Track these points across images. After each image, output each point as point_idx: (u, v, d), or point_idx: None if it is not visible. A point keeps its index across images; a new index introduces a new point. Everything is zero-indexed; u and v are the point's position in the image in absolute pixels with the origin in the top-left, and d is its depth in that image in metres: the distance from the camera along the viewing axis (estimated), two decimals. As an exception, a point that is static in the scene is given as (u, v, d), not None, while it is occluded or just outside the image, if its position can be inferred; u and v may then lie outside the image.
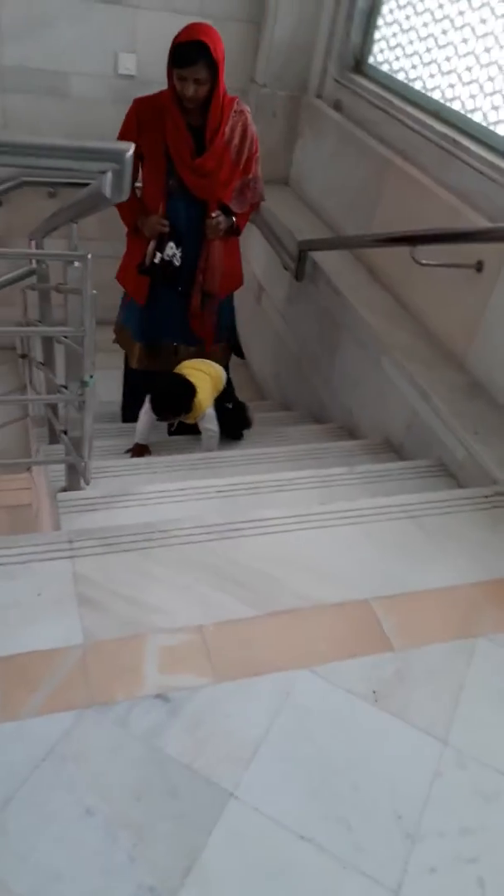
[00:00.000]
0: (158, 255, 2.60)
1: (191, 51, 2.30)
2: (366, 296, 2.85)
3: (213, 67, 2.35)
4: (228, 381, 2.83)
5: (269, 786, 1.24)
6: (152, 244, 2.62)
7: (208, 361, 2.75)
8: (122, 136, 2.59)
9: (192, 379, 2.57)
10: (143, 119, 2.51)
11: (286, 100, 3.60)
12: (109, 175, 1.06)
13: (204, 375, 2.65)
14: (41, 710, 1.29)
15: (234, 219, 2.68)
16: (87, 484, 1.79)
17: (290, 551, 1.71)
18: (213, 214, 2.60)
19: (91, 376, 1.54)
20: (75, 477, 2.01)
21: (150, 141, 2.50)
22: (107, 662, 1.39)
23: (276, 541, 1.74)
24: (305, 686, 1.41)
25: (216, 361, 2.83)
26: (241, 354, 3.17)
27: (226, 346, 3.06)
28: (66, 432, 1.97)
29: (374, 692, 1.42)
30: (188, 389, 2.54)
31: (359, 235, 2.93)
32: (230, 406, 2.78)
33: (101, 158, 1.06)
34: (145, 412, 2.60)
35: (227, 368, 2.90)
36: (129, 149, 1.07)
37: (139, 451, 2.66)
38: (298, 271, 3.17)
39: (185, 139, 2.49)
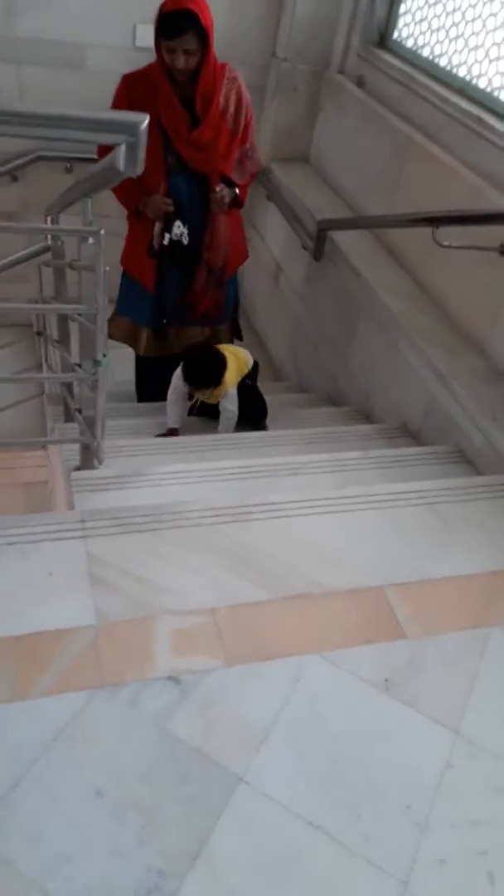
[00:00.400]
0: (167, 235, 2.54)
1: (179, 20, 2.22)
2: (385, 277, 2.80)
3: (203, 36, 2.27)
4: (255, 365, 2.82)
5: (278, 771, 1.23)
6: (158, 225, 2.56)
7: (232, 347, 2.77)
8: None
9: None
10: (133, 96, 2.43)
11: (308, 75, 3.52)
12: (123, 148, 1.03)
13: (230, 356, 2.65)
14: (52, 690, 1.29)
15: (236, 190, 2.63)
16: (101, 464, 1.78)
17: (303, 536, 1.70)
18: (218, 188, 2.55)
19: (104, 355, 1.52)
20: (89, 456, 2.00)
21: None
22: (118, 643, 1.38)
23: (289, 525, 1.72)
24: (317, 672, 1.40)
25: (224, 341, 2.82)
26: (239, 335, 3.13)
27: (230, 326, 3.03)
28: (80, 411, 1.96)
29: (385, 680, 1.40)
30: (221, 361, 2.56)
31: (380, 216, 2.87)
32: (250, 382, 2.76)
33: (115, 130, 1.03)
34: (174, 397, 2.61)
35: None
36: (144, 120, 1.04)
37: (173, 435, 2.66)
38: (317, 251, 3.12)
39: (179, 113, 2.41)
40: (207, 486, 2.00)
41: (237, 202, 2.68)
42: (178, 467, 2.05)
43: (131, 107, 2.37)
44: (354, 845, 1.16)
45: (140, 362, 3.09)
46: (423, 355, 2.44)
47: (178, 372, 2.59)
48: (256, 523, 1.70)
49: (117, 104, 2.46)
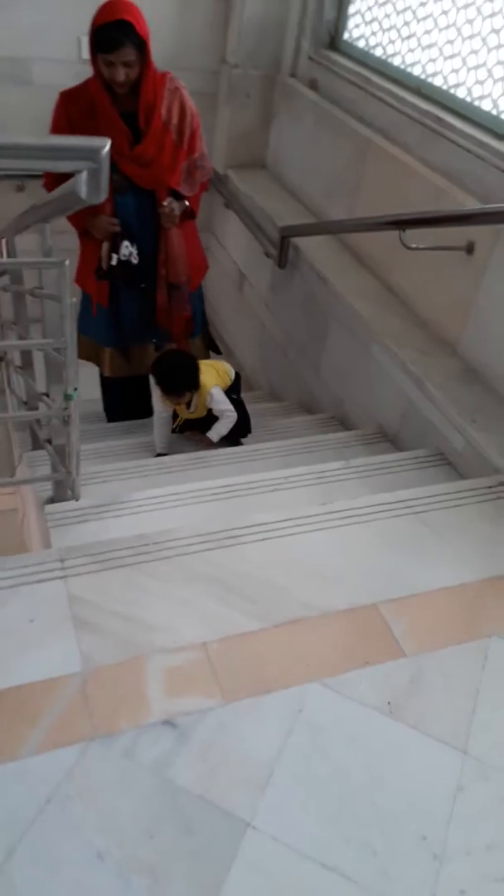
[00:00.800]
0: (115, 256, 2.49)
1: (114, 32, 2.13)
2: (353, 282, 2.77)
3: (141, 46, 2.19)
4: (237, 377, 2.76)
5: (286, 812, 1.18)
6: (106, 246, 2.49)
7: (210, 360, 2.72)
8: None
9: None
10: (73, 114, 2.34)
11: (260, 80, 3.48)
12: (85, 175, 0.97)
13: (208, 368, 2.58)
14: (42, 746, 1.22)
15: (186, 203, 2.54)
16: (77, 499, 1.71)
17: (292, 556, 1.65)
18: (165, 203, 2.46)
19: (75, 389, 1.45)
20: (62, 487, 1.93)
21: (85, 133, 2.29)
22: (108, 689, 1.31)
23: (276, 546, 1.67)
24: (317, 701, 1.35)
25: (199, 356, 2.74)
26: (216, 349, 3.09)
27: (203, 340, 2.95)
28: (50, 441, 1.88)
29: (388, 703, 1.36)
30: (192, 362, 2.47)
31: (345, 220, 2.84)
32: (235, 397, 2.68)
33: (75, 157, 0.97)
34: (157, 420, 2.54)
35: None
36: (105, 145, 0.98)
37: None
38: (281, 258, 3.08)
39: (120, 129, 2.33)
40: (189, 509, 1.94)
41: (189, 214, 2.60)
42: (157, 492, 1.99)
43: (71, 126, 2.33)
44: (373, 884, 1.11)
45: (106, 382, 3.01)
46: (397, 359, 2.41)
47: (156, 393, 2.50)
48: (243, 547, 1.65)
49: (56, 124, 2.37)
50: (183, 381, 2.45)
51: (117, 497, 1.97)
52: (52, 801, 1.15)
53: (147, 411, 2.78)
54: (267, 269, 3.40)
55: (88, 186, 0.98)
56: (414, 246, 2.28)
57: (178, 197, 2.50)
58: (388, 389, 2.52)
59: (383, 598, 1.56)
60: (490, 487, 1.91)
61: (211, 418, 2.60)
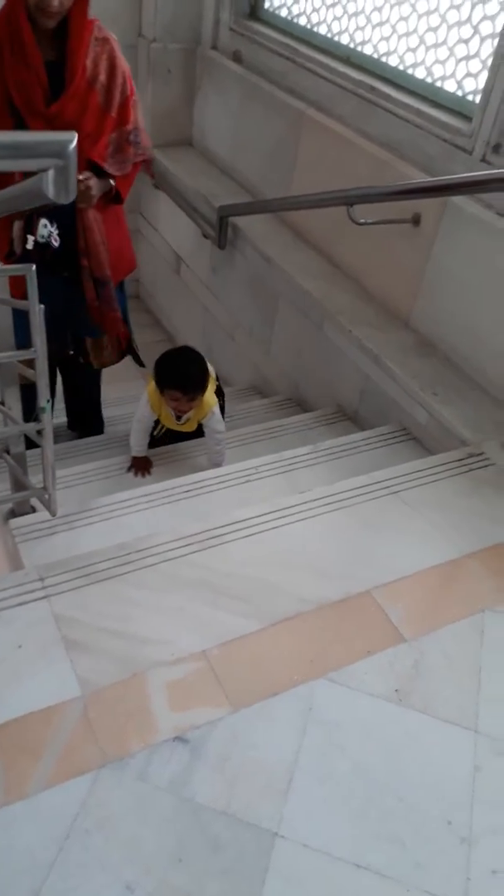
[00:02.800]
0: (30, 238, 2.05)
1: None
2: (297, 260, 2.73)
3: None
4: (217, 379, 2.42)
5: (312, 815, 1.16)
6: (17, 226, 2.06)
7: None
8: None
9: None
10: None
11: (180, 53, 3.36)
12: (52, 173, 0.88)
13: None
14: (51, 780, 1.16)
15: (112, 182, 2.10)
16: (54, 515, 1.62)
17: (278, 551, 1.62)
18: (81, 177, 1.98)
19: (48, 400, 1.37)
20: (24, 500, 1.83)
21: None
22: (112, 711, 1.26)
23: (261, 541, 1.64)
24: (326, 697, 1.33)
25: (104, 360, 2.47)
26: (139, 361, 2.60)
27: (120, 344, 2.48)
28: (8, 451, 1.78)
29: (396, 691, 1.36)
30: (202, 357, 2.17)
31: (290, 197, 2.76)
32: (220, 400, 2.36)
33: (39, 154, 0.88)
34: (139, 426, 2.20)
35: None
36: (72, 140, 0.89)
37: (141, 464, 2.24)
38: (221, 239, 3.00)
39: (39, 77, 1.87)
40: (163, 509, 1.88)
41: (115, 198, 2.16)
42: (126, 494, 1.92)
43: None
44: (407, 877, 1.11)
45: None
46: (351, 336, 2.39)
47: (145, 399, 2.18)
48: (227, 546, 1.61)
49: None
50: (200, 374, 2.11)
51: (84, 504, 1.88)
52: (71, 837, 1.10)
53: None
54: (205, 250, 3.31)
55: (56, 185, 0.90)
56: (362, 221, 2.25)
57: (101, 174, 2.06)
58: (345, 368, 2.51)
59: (375, 584, 1.55)
60: (461, 460, 1.92)
61: (194, 433, 2.34)
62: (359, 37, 2.59)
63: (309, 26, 2.84)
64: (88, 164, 2.04)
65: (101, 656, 1.34)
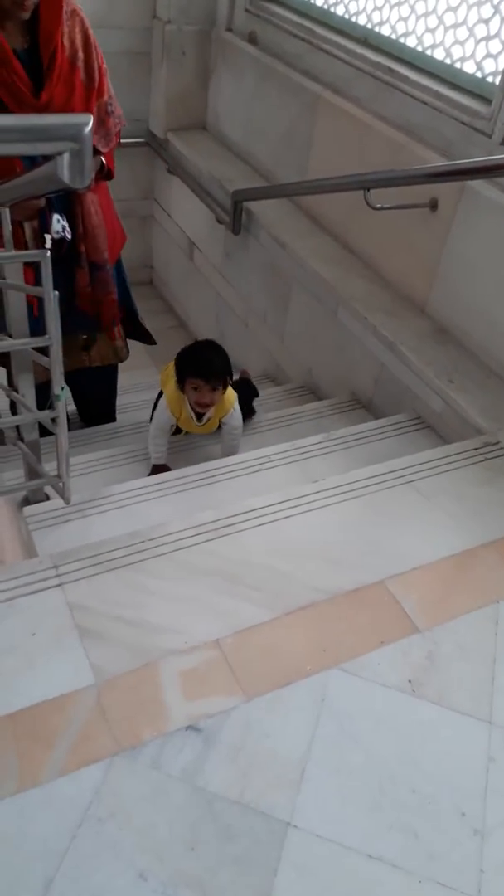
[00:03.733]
0: (48, 237, 2.01)
1: None
2: (312, 245, 2.70)
3: None
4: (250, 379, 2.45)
5: (325, 806, 1.16)
6: (30, 227, 2.01)
7: None
8: None
9: None
10: None
11: (195, 35, 3.31)
12: (67, 157, 0.87)
13: None
14: (64, 768, 1.16)
15: (102, 159, 2.09)
16: (68, 503, 1.62)
17: (292, 540, 1.61)
18: None
19: (63, 388, 1.36)
20: (39, 488, 1.83)
21: None
22: (125, 700, 1.26)
23: (274, 530, 1.63)
24: (339, 687, 1.32)
25: (119, 352, 2.44)
26: (148, 339, 2.60)
27: (129, 326, 2.51)
28: (22, 439, 1.78)
29: (409, 681, 1.35)
30: (224, 352, 2.14)
31: (305, 181, 2.73)
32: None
33: (54, 137, 0.86)
34: (157, 431, 2.15)
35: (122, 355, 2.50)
36: (88, 122, 0.87)
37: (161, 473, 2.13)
38: (235, 224, 2.98)
39: (15, 70, 1.82)
40: (175, 497, 1.87)
41: (107, 174, 2.14)
42: (140, 482, 1.91)
43: None
44: (420, 868, 1.10)
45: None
46: (366, 323, 2.37)
47: (163, 403, 2.14)
48: (241, 535, 1.60)
49: None
50: (222, 364, 2.08)
51: (97, 492, 1.88)
52: (84, 824, 1.10)
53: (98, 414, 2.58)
54: (219, 235, 3.28)
55: (71, 169, 0.88)
56: (379, 206, 2.22)
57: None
58: (359, 355, 2.49)
59: (389, 574, 1.54)
60: (476, 449, 1.90)
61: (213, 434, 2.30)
62: (376, 17, 2.55)
63: (326, 7, 2.79)
64: None
65: (114, 645, 1.34)
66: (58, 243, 2.04)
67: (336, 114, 2.60)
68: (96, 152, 2.04)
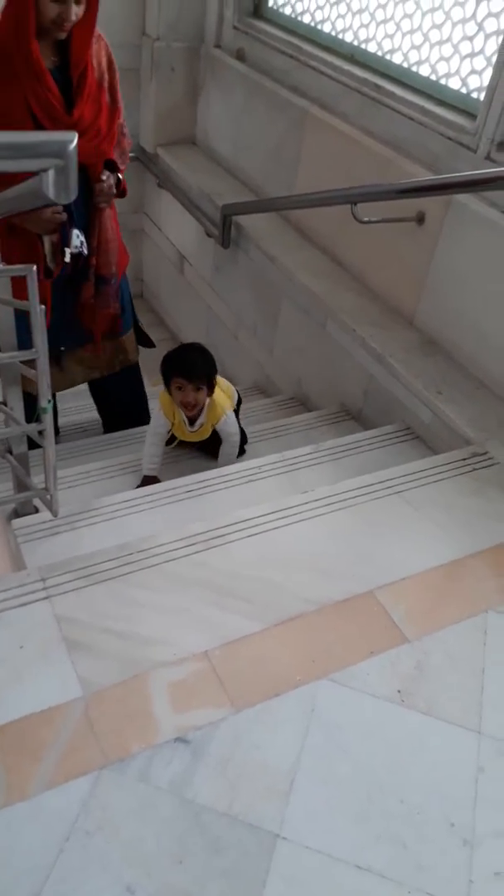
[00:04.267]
0: (67, 251, 2.05)
1: None
2: (301, 258, 2.72)
3: None
4: (239, 399, 2.42)
5: (314, 817, 1.16)
6: (49, 241, 2.03)
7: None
8: None
9: None
10: None
11: (184, 52, 3.35)
12: (52, 174, 0.88)
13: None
14: (52, 781, 1.16)
15: (119, 176, 2.17)
16: (56, 516, 1.62)
17: (281, 550, 1.61)
18: (104, 177, 2.07)
19: (49, 401, 1.36)
20: (28, 501, 1.83)
21: (3, 98, 1.85)
22: (113, 712, 1.26)
23: (264, 541, 1.63)
24: (328, 698, 1.32)
25: (129, 355, 2.47)
26: (148, 342, 2.62)
27: (132, 335, 2.53)
28: (10, 452, 1.78)
29: (398, 691, 1.35)
30: (208, 352, 2.14)
31: (293, 196, 2.76)
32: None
33: (39, 154, 0.87)
34: (154, 439, 2.16)
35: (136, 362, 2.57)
36: (73, 140, 0.89)
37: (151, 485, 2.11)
38: (224, 238, 3.00)
39: (49, 87, 1.86)
40: (165, 509, 1.87)
41: (122, 192, 2.22)
42: (129, 494, 1.91)
43: None
44: (408, 879, 1.10)
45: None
46: (355, 335, 2.38)
47: (157, 407, 2.17)
48: (230, 546, 1.60)
49: None
50: (205, 364, 2.09)
51: (87, 504, 1.88)
52: (71, 838, 1.10)
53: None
54: (209, 249, 3.31)
55: (56, 186, 0.89)
56: (366, 219, 2.24)
57: (112, 170, 2.13)
58: (348, 367, 2.50)
59: (378, 584, 1.55)
60: (464, 460, 1.92)
61: (210, 442, 2.28)
62: (363, 34, 2.59)
63: (313, 24, 2.83)
64: (105, 163, 2.09)
65: (102, 657, 1.34)
66: (75, 258, 2.09)
67: (323, 129, 2.64)
68: (117, 168, 2.14)
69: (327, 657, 1.39)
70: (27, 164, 0.89)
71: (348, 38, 2.65)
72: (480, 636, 1.47)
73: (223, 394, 2.23)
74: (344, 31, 2.68)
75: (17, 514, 1.89)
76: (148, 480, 2.14)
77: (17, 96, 1.85)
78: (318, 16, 2.80)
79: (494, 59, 2.02)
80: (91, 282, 2.20)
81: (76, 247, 2.08)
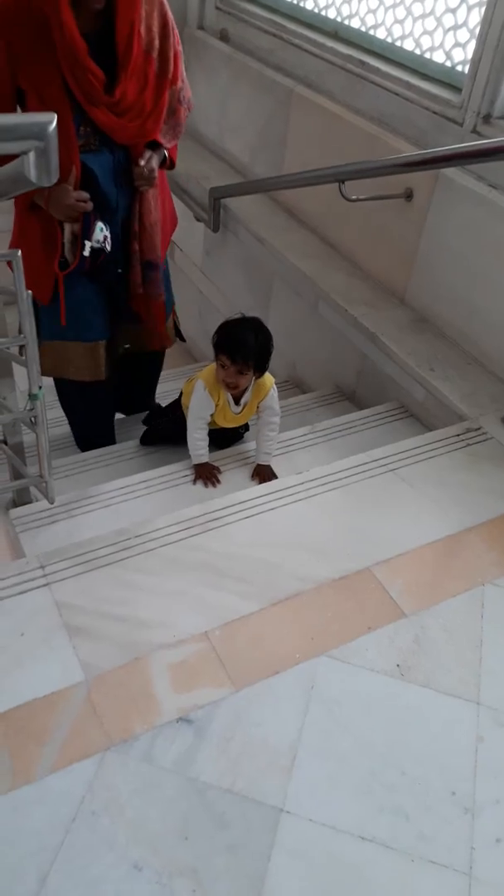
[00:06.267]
0: (87, 244, 1.86)
1: None
2: (291, 240, 2.71)
3: None
4: None
5: (316, 791, 1.17)
6: (69, 230, 1.86)
7: None
8: None
9: None
10: (13, 37, 1.62)
11: (166, 35, 3.31)
12: (32, 156, 0.87)
13: None
14: (57, 764, 1.17)
15: (165, 152, 1.96)
16: (52, 503, 1.63)
17: (278, 531, 1.62)
18: (143, 161, 1.86)
19: (40, 387, 1.36)
20: (26, 489, 1.84)
21: (36, 72, 1.67)
22: (115, 695, 1.27)
23: (260, 523, 1.64)
24: (328, 674, 1.34)
25: (166, 343, 2.29)
26: (180, 335, 2.44)
27: (173, 324, 2.35)
28: (6, 442, 1.78)
29: (397, 666, 1.36)
30: (265, 333, 1.92)
31: (281, 176, 2.73)
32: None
33: (18, 136, 0.87)
34: (199, 423, 1.94)
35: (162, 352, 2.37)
36: (53, 120, 0.88)
37: (207, 472, 1.95)
38: (214, 222, 2.98)
39: (88, 66, 1.66)
40: (162, 495, 1.88)
41: (170, 164, 2.02)
42: (126, 481, 1.92)
43: (10, 54, 1.64)
44: (411, 848, 1.12)
45: (79, 397, 2.28)
46: (347, 315, 2.38)
47: (201, 387, 1.92)
48: (227, 528, 1.61)
49: None
50: (256, 344, 1.85)
51: (84, 492, 1.89)
52: (78, 819, 1.11)
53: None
54: (199, 233, 3.29)
55: (37, 168, 0.89)
56: (354, 198, 2.23)
57: (155, 146, 1.91)
58: (341, 347, 2.50)
59: (375, 561, 1.56)
60: (458, 435, 1.92)
61: (239, 435, 2.16)
62: (345, 10, 2.56)
63: (295, 1, 2.80)
64: (146, 143, 1.89)
65: (103, 641, 1.35)
66: (95, 254, 1.90)
67: (309, 108, 2.61)
68: (159, 146, 1.92)
69: (326, 634, 1.40)
70: (6, 147, 0.88)
71: (331, 14, 2.62)
72: (478, 609, 1.48)
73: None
74: (326, 7, 2.65)
75: (14, 503, 1.90)
76: (201, 469, 1.95)
77: (53, 72, 1.66)
78: (301, -8, 2.76)
79: (477, 31, 2.00)
80: (137, 268, 2.03)
81: (98, 241, 1.88)
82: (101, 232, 1.85)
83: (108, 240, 1.89)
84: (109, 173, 1.83)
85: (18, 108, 1.79)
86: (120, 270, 1.99)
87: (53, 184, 0.96)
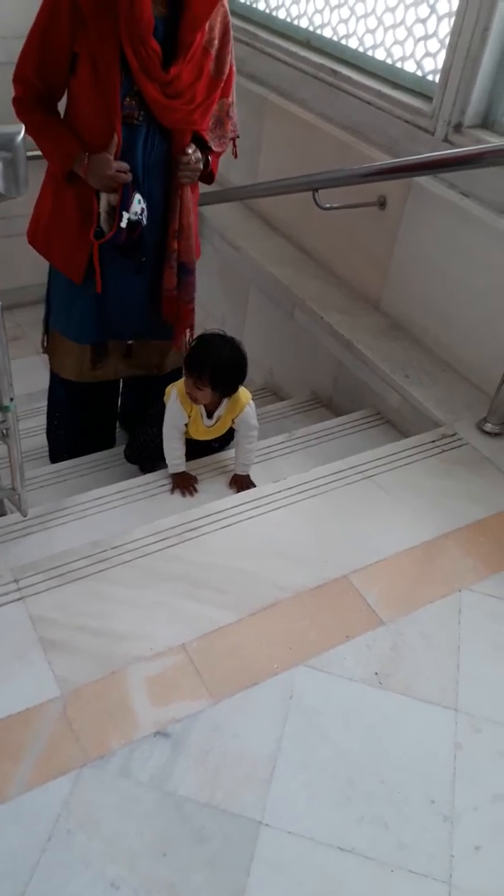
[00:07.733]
0: (125, 215, 1.81)
1: None
2: (266, 247, 2.71)
3: None
4: None
5: (295, 803, 1.17)
6: (106, 200, 1.82)
7: None
8: (38, 36, 1.70)
9: None
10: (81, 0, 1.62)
11: (139, 43, 3.31)
12: (0, 166, 0.86)
13: None
14: (31, 781, 1.15)
15: (209, 158, 1.94)
16: (25, 515, 1.61)
17: (255, 540, 1.62)
18: (190, 150, 1.83)
19: (11, 399, 1.35)
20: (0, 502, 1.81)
21: (95, 36, 1.64)
22: (91, 710, 1.25)
23: (237, 532, 1.63)
24: (306, 683, 1.33)
25: (177, 361, 2.20)
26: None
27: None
28: (-22, 453, 1.76)
29: (375, 674, 1.36)
30: (237, 353, 1.89)
31: (255, 185, 2.73)
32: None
33: (-14, 147, 0.86)
34: (173, 432, 1.92)
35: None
36: (20, 132, 0.87)
37: (185, 481, 1.93)
38: (189, 230, 2.97)
39: (149, 41, 1.65)
40: (138, 505, 1.86)
41: (209, 177, 1.99)
42: (101, 491, 1.90)
43: (74, 16, 1.63)
44: (390, 858, 1.12)
45: (64, 392, 2.25)
46: (322, 322, 2.39)
47: (174, 397, 1.90)
48: (204, 538, 1.60)
49: (51, 11, 1.65)
50: (220, 365, 1.82)
51: (60, 503, 1.87)
52: (53, 837, 1.09)
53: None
54: (174, 242, 3.28)
55: (5, 178, 0.88)
56: (328, 206, 2.24)
57: (202, 148, 1.89)
58: (317, 354, 2.50)
59: (352, 569, 1.56)
60: (433, 442, 1.93)
61: (219, 446, 2.12)
62: (318, 20, 2.57)
63: (268, 11, 2.81)
64: (193, 136, 1.87)
65: (79, 655, 1.33)
66: (132, 227, 1.84)
67: (283, 116, 2.63)
68: (209, 149, 1.92)
69: (304, 644, 1.40)
70: (-28, 159, 0.87)
71: (304, 24, 2.64)
72: (455, 615, 1.49)
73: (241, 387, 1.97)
74: (299, 17, 2.66)
75: (-12, 516, 1.87)
76: (179, 478, 1.93)
77: (112, 39, 1.65)
78: (273, 2, 2.78)
79: (447, 40, 2.02)
80: (173, 269, 2.00)
81: (136, 213, 1.83)
82: (138, 204, 1.82)
83: (146, 212, 1.85)
84: (145, 150, 1.81)
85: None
86: (144, 258, 1.94)
87: (19, 195, 0.95)
